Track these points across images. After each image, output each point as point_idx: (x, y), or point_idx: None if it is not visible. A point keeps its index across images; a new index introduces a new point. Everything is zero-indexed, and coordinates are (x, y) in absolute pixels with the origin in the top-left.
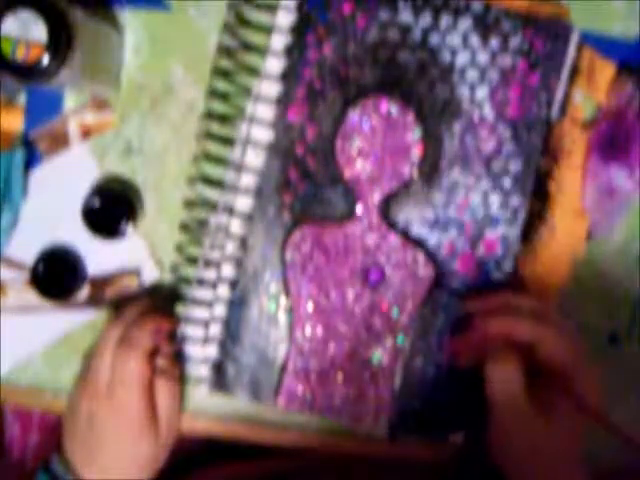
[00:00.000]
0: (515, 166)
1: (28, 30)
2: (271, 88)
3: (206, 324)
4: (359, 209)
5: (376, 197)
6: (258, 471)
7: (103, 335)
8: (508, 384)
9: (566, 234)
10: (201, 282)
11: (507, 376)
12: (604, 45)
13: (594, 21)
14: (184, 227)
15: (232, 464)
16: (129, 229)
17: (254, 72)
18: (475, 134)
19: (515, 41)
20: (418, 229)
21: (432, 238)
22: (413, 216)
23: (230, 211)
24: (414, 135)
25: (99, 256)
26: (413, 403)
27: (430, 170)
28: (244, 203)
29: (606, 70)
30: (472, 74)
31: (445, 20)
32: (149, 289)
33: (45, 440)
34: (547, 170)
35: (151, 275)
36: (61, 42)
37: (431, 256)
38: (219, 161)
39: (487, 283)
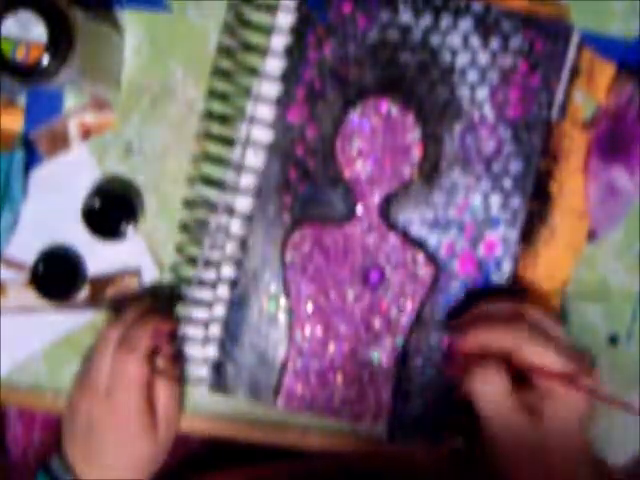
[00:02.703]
0: (515, 167)
1: (28, 30)
2: (271, 88)
3: (206, 324)
4: (359, 210)
5: (376, 197)
6: (258, 475)
7: (103, 336)
8: (490, 390)
9: (567, 235)
10: (201, 282)
11: (488, 382)
12: (604, 45)
13: (594, 21)
14: (184, 227)
15: (232, 468)
16: (129, 229)
17: (254, 72)
18: (475, 135)
19: (515, 42)
20: (418, 229)
21: (432, 238)
22: (413, 216)
23: (230, 211)
24: (414, 136)
25: (99, 256)
26: (413, 404)
27: (430, 171)
28: (244, 203)
29: (606, 70)
30: (472, 75)
31: (445, 21)
32: (149, 289)
33: (48, 439)
34: (547, 171)
35: (151, 275)
36: (61, 42)
37: (431, 256)
38: (219, 161)
39: (487, 284)
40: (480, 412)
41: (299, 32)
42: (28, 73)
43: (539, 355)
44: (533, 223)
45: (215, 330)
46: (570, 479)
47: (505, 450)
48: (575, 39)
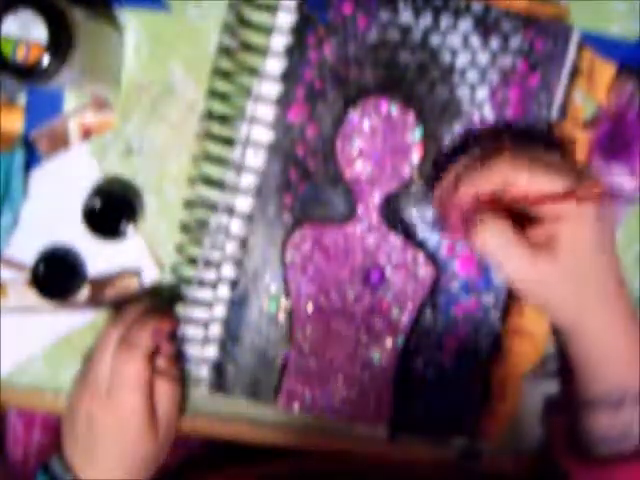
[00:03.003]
0: None
1: (28, 30)
2: (271, 88)
3: (206, 324)
4: (359, 209)
5: (376, 197)
6: (258, 475)
7: (103, 336)
8: (495, 241)
9: None
10: (201, 282)
11: (490, 234)
12: (604, 45)
13: (594, 21)
14: (184, 227)
15: (232, 468)
16: (129, 229)
17: (254, 72)
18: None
19: (515, 42)
20: (418, 229)
21: (432, 238)
22: (413, 216)
23: (230, 211)
24: (414, 135)
25: (99, 256)
26: (413, 404)
27: (430, 170)
28: (244, 203)
29: (606, 70)
30: (472, 75)
31: (445, 21)
32: (149, 289)
33: (48, 439)
34: None
35: (151, 275)
36: (61, 42)
37: (431, 256)
38: (219, 161)
39: (487, 284)
40: (496, 267)
41: (299, 32)
42: (28, 73)
43: (534, 181)
44: None
45: (215, 330)
46: (607, 293)
47: (535, 291)
48: (575, 39)
